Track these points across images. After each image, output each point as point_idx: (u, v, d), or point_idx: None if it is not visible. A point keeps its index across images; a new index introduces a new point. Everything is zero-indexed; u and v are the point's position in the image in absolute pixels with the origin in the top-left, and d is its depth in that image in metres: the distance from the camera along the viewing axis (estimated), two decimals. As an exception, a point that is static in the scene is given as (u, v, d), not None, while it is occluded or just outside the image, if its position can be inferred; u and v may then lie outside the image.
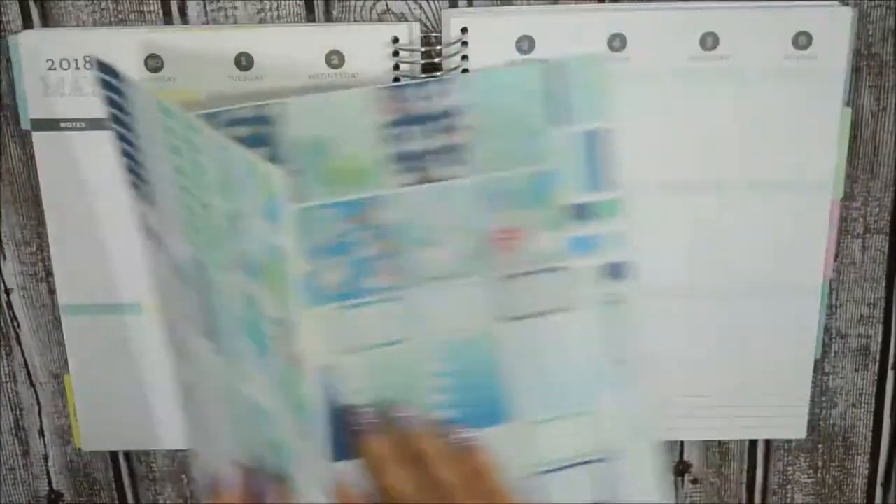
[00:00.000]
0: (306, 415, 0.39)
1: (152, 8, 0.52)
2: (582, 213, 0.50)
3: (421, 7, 0.52)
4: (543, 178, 0.50)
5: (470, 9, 0.50)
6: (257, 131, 0.48)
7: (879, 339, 0.57)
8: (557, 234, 0.50)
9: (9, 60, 0.51)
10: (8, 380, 0.58)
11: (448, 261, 0.50)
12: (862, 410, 0.59)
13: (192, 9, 0.52)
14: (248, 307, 0.41)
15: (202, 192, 0.41)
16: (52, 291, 0.56)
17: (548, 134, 0.49)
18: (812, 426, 0.59)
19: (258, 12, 0.52)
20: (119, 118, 0.45)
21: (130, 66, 0.50)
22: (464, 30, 0.50)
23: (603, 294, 0.50)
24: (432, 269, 0.50)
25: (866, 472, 0.60)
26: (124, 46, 0.50)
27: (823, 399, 0.59)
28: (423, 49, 0.50)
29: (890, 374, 0.58)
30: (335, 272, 0.49)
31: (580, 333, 0.51)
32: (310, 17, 0.52)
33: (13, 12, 0.51)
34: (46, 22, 0.52)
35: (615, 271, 0.50)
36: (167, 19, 0.52)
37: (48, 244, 0.54)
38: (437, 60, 0.50)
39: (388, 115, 0.48)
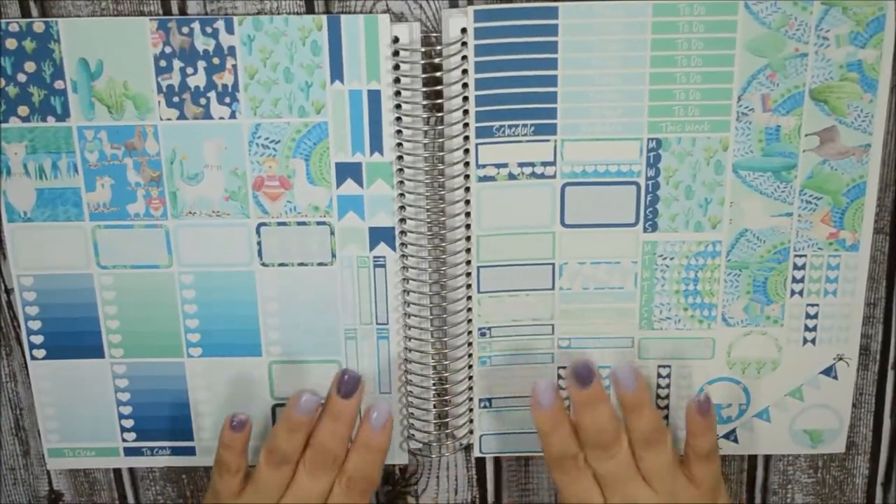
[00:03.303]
0: None
1: (152, 7, 0.51)
2: (348, 172, 0.51)
3: (421, 7, 0.52)
4: (314, 131, 0.51)
5: (470, 8, 0.49)
6: (42, 45, 0.50)
7: (879, 339, 0.57)
8: (322, 190, 0.52)
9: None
10: (8, 380, 0.58)
11: (211, 199, 0.52)
12: (862, 410, 0.59)
13: (192, 8, 0.52)
14: None
15: None
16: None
17: (323, 88, 0.51)
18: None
19: (258, 12, 0.52)
20: None
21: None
22: (463, 30, 0.49)
23: (363, 256, 0.53)
24: (195, 205, 0.52)
25: (866, 472, 0.60)
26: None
27: (823, 399, 0.59)
28: (423, 49, 0.50)
29: (890, 374, 0.58)
30: (101, 193, 0.52)
31: (337, 289, 0.53)
32: (310, 16, 0.52)
33: (13, 11, 0.51)
34: (46, 22, 0.52)
35: (377, 234, 0.52)
36: (167, 19, 0.52)
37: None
38: (437, 60, 0.50)
39: (162, 47, 0.50)
